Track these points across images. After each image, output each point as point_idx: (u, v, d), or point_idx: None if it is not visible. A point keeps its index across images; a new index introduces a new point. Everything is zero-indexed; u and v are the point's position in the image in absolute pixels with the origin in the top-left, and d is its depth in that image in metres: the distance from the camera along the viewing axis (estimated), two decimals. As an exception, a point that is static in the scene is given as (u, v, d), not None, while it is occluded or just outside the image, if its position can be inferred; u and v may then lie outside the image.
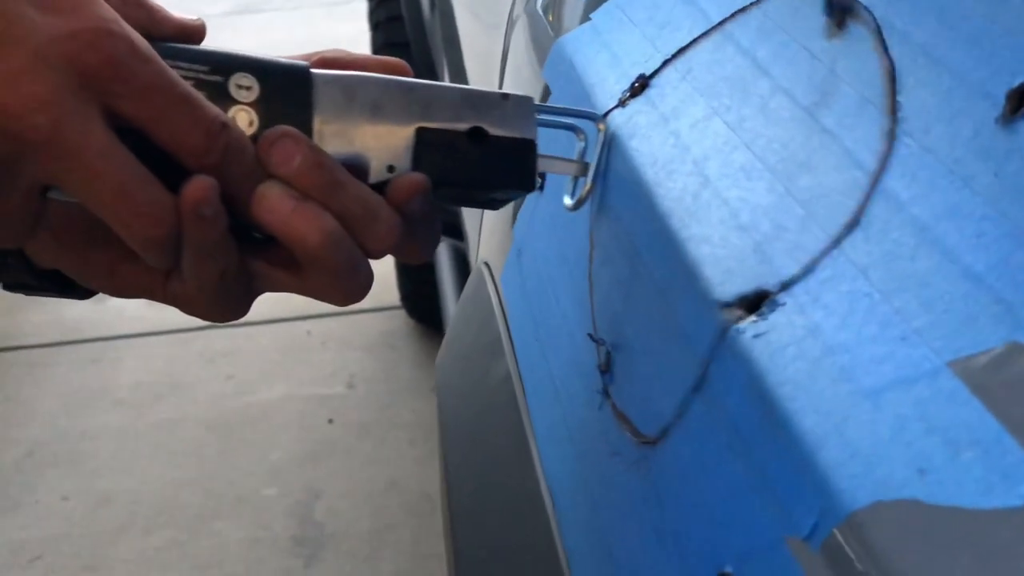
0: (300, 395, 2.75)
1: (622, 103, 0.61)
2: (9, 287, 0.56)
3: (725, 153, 0.51)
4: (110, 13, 0.48)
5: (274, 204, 0.51)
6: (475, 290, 0.85)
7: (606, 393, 0.55)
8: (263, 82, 0.52)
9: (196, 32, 0.54)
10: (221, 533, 2.38)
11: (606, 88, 0.64)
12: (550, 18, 0.86)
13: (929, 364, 0.36)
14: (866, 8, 0.48)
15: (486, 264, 0.86)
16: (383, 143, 0.54)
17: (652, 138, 0.56)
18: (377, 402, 2.73)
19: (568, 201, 0.60)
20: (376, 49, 2.89)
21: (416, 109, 0.54)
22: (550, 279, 0.67)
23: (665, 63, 0.61)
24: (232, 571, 2.27)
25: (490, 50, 1.30)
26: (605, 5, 0.71)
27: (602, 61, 0.67)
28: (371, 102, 0.54)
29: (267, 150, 0.51)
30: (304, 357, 2.91)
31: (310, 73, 0.53)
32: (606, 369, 0.56)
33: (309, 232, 0.51)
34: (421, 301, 2.78)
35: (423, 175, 0.53)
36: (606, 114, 0.61)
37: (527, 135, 0.56)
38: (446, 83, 0.56)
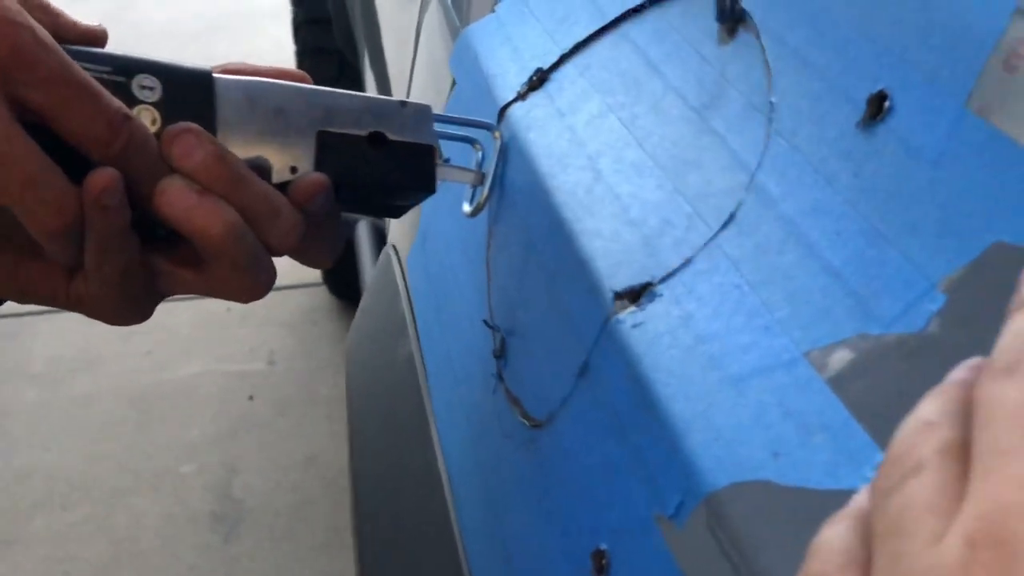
0: (220, 371, 2.74)
1: (521, 96, 0.63)
2: None
3: (618, 149, 0.53)
4: (13, 5, 0.49)
5: (176, 197, 0.51)
6: (383, 272, 0.87)
7: (500, 377, 0.57)
8: (166, 84, 0.53)
9: (99, 37, 0.55)
10: (139, 509, 2.37)
11: (507, 81, 0.66)
12: (458, 8, 0.87)
13: (788, 354, 0.38)
14: (750, 16, 0.50)
15: (394, 247, 0.87)
16: (285, 145, 0.55)
17: (549, 131, 0.58)
18: (297, 378, 2.73)
19: (467, 208, 0.62)
20: (297, 25, 2.88)
21: (318, 114, 0.56)
22: (451, 265, 0.69)
23: (563, 58, 0.63)
24: (150, 546, 2.27)
25: (407, 26, 1.31)
26: (509, -2, 0.73)
27: (504, 54, 0.69)
28: (273, 107, 0.55)
29: (169, 144, 0.52)
30: (224, 333, 2.90)
31: (212, 77, 0.54)
32: (500, 354, 0.58)
33: (210, 224, 0.51)
34: (342, 278, 2.78)
35: (324, 175, 0.55)
36: (504, 109, 0.63)
37: (426, 140, 0.58)
38: (348, 91, 0.57)
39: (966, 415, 0.25)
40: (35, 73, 0.48)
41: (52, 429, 2.61)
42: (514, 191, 0.59)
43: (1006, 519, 0.22)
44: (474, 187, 0.62)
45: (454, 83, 0.77)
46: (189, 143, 0.52)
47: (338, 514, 2.31)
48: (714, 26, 0.53)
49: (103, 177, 0.50)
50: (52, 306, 0.56)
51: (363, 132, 0.56)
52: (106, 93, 0.51)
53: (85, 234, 0.51)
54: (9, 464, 2.52)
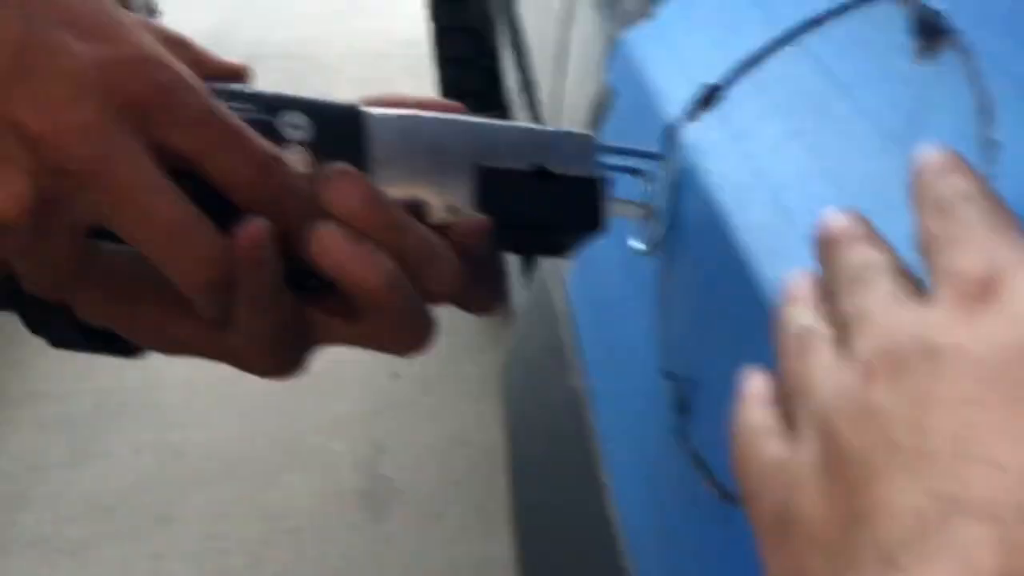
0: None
1: (690, 116, 0.58)
2: (56, 344, 0.54)
3: (806, 183, 0.48)
4: (154, 43, 0.46)
5: (331, 244, 0.47)
6: (542, 291, 0.83)
7: (683, 435, 0.52)
8: (314, 121, 0.50)
9: (241, 74, 0.51)
10: (290, 486, 2.39)
11: (673, 97, 0.61)
12: (610, 5, 0.82)
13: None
14: (957, 32, 0.44)
15: (551, 267, 0.83)
16: (442, 183, 0.51)
17: (725, 159, 0.53)
18: (440, 356, 2.72)
19: (637, 245, 0.57)
20: (435, 3, 2.84)
21: (476, 148, 0.52)
22: (620, 295, 0.64)
23: (736, 73, 0.57)
24: (301, 524, 2.28)
25: (549, 4, 1.27)
26: (671, 1, 0.68)
27: (669, 65, 0.64)
28: (428, 141, 0.51)
29: (324, 188, 0.48)
30: (369, 308, 2.90)
31: (363, 112, 0.51)
32: (682, 408, 0.53)
33: (368, 275, 0.48)
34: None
35: (483, 218, 0.51)
36: (672, 130, 0.58)
37: (592, 173, 0.53)
38: (506, 122, 0.53)
39: (828, 317, 0.35)
40: (179, 115, 0.45)
41: (206, 405, 2.65)
42: (690, 224, 0.55)
43: (889, 347, 0.30)
44: (644, 221, 0.57)
45: (611, 90, 0.72)
46: (345, 187, 0.48)
47: (485, 495, 2.29)
48: (909, 41, 0.47)
49: (254, 230, 0.46)
50: (200, 357, 0.53)
51: (525, 166, 0.52)
52: (254, 134, 0.47)
53: (236, 288, 0.48)
54: (163, 441, 2.56)
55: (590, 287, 0.70)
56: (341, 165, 0.49)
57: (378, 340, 0.51)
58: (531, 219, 0.52)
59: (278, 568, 2.18)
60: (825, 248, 0.37)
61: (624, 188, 0.56)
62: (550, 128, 0.54)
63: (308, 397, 2.62)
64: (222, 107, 0.46)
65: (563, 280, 0.79)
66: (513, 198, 0.52)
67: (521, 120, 1.85)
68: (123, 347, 0.54)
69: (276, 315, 0.49)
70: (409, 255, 0.49)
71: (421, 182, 0.50)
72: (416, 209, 0.50)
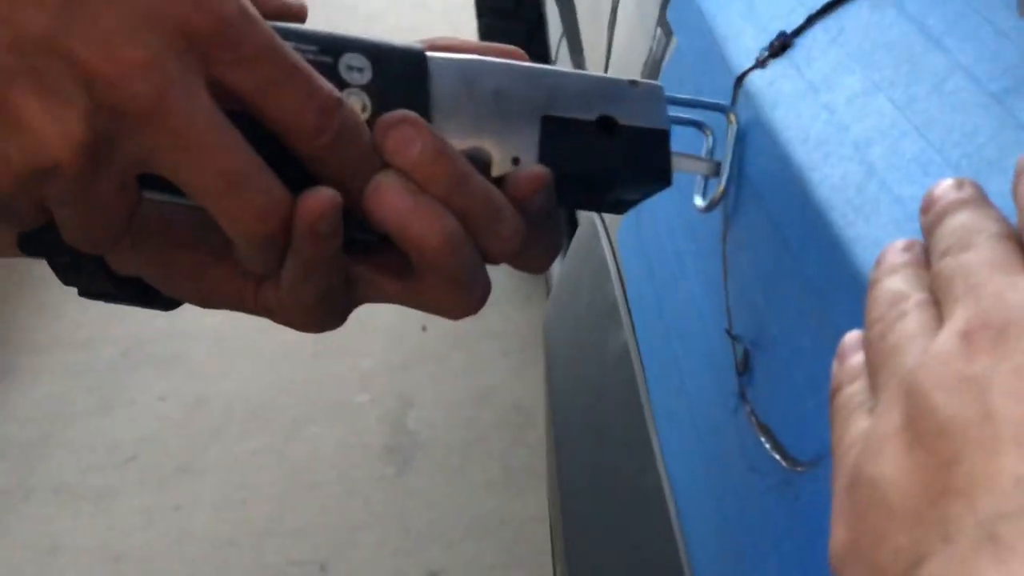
0: (393, 300, 2.73)
1: (760, 63, 0.55)
2: (86, 294, 0.52)
3: (893, 139, 0.45)
4: None
5: (391, 198, 0.45)
6: (587, 246, 0.80)
7: (743, 397, 0.50)
8: (376, 65, 0.47)
9: (299, 13, 0.48)
10: (315, 438, 2.38)
11: (741, 44, 0.58)
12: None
13: None
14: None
15: (600, 217, 0.80)
16: (506, 133, 0.48)
17: (800, 110, 0.50)
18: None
19: (699, 202, 0.54)
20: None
21: (540, 97, 0.49)
22: (675, 250, 0.61)
23: (811, 19, 0.54)
24: (326, 477, 2.28)
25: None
26: (739, -56, 0.64)
27: (735, 10, 0.61)
28: (492, 89, 0.48)
29: (384, 135, 0.45)
30: (397, 261, 2.88)
31: (426, 56, 0.48)
32: (743, 370, 0.50)
33: (429, 232, 0.45)
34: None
35: (545, 168, 0.48)
36: (741, 78, 0.55)
37: (660, 125, 0.51)
38: (571, 70, 0.50)
39: (923, 284, 0.33)
40: (240, 51, 0.42)
41: (231, 356, 2.64)
42: (760, 179, 0.52)
43: (992, 314, 0.28)
44: (707, 177, 0.55)
45: (671, 38, 0.69)
46: (407, 135, 0.45)
47: (511, 451, 2.28)
48: (1011, -8, 0.44)
49: (321, 201, 0.44)
50: (235, 310, 0.50)
51: (591, 117, 0.49)
52: (317, 75, 0.44)
53: (289, 249, 0.45)
54: (188, 390, 2.56)
55: (643, 240, 0.67)
56: (403, 112, 0.46)
57: (429, 301, 0.49)
58: (597, 172, 0.50)
59: (300, 521, 2.18)
60: (930, 214, 0.34)
61: (685, 142, 0.53)
62: (618, 77, 0.51)
63: (335, 349, 2.60)
64: (285, 44, 0.44)
65: (611, 233, 0.76)
66: (579, 150, 0.49)
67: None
68: (155, 299, 0.51)
69: (328, 279, 0.46)
70: (472, 213, 0.46)
71: (484, 132, 0.48)
72: (478, 161, 0.47)
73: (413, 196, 0.45)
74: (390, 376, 2.53)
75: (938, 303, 0.31)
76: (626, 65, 0.89)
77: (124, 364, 2.65)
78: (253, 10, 0.43)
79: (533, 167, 0.48)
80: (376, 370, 2.55)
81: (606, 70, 1.05)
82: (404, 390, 2.49)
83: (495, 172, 0.48)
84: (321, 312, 0.48)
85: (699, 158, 0.54)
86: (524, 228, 0.48)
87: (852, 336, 0.35)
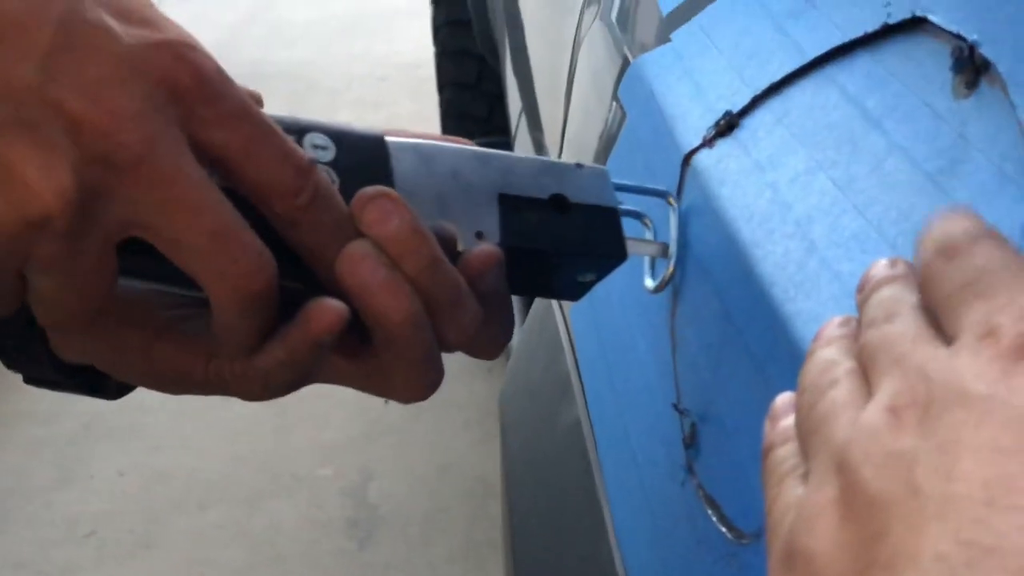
0: (355, 372, 2.72)
1: (708, 142, 0.56)
2: (31, 381, 0.51)
3: (833, 216, 0.46)
4: (191, 34, 0.43)
5: (364, 267, 0.45)
6: (541, 319, 0.81)
7: (690, 470, 0.51)
8: (339, 144, 0.48)
9: (257, 100, 0.48)
10: (276, 512, 2.36)
11: (689, 123, 0.59)
12: (624, 30, 0.81)
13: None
14: (995, 66, 0.43)
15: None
16: (468, 210, 0.49)
17: (746, 188, 0.52)
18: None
19: (649, 283, 0.56)
20: (437, 27, 2.85)
21: (495, 177, 0.50)
22: (627, 324, 0.62)
23: (755, 100, 0.56)
24: (287, 551, 2.26)
25: (557, 29, 1.25)
26: (687, 26, 0.66)
27: (684, 90, 0.62)
28: (449, 169, 0.50)
29: (362, 207, 0.45)
30: (360, 333, 2.88)
31: (384, 139, 0.49)
32: (691, 443, 0.51)
33: (395, 307, 0.45)
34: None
35: (496, 248, 0.49)
36: (688, 157, 0.57)
37: (609, 203, 0.52)
38: (519, 154, 0.52)
39: (854, 354, 0.33)
40: (220, 108, 0.42)
41: (190, 430, 2.62)
42: (706, 255, 0.53)
43: (917, 390, 0.28)
44: (654, 259, 0.56)
45: (624, 116, 0.70)
46: (385, 208, 0.45)
47: (474, 524, 2.27)
48: (946, 76, 0.45)
49: (333, 314, 0.44)
50: (181, 389, 0.49)
51: (543, 195, 0.51)
52: (289, 139, 0.44)
53: (276, 338, 0.45)
54: (148, 464, 2.53)
55: (596, 314, 0.68)
56: (382, 187, 0.46)
57: (382, 382, 0.49)
58: (555, 247, 0.51)
59: (262, 595, 2.15)
60: (863, 292, 0.36)
61: (631, 227, 0.55)
62: (564, 161, 0.53)
63: (296, 422, 2.59)
64: (256, 107, 0.44)
65: (565, 306, 0.77)
66: (537, 226, 0.50)
67: (523, 150, 1.84)
68: (101, 387, 0.51)
69: (308, 368, 0.46)
70: (437, 295, 0.46)
71: (447, 209, 0.49)
72: (444, 238, 0.48)
73: (385, 268, 0.45)
74: (351, 448, 2.52)
75: (866, 374, 0.32)
76: (582, 138, 0.91)
77: (84, 438, 2.63)
78: (224, 71, 0.43)
79: (484, 246, 0.48)
80: (337, 442, 2.54)
81: (562, 143, 1.06)
82: (366, 463, 2.48)
83: (460, 247, 0.49)
84: (275, 390, 0.48)
85: (647, 241, 0.56)
86: (481, 315, 0.48)
87: (783, 398, 0.36)
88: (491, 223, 0.50)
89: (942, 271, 0.31)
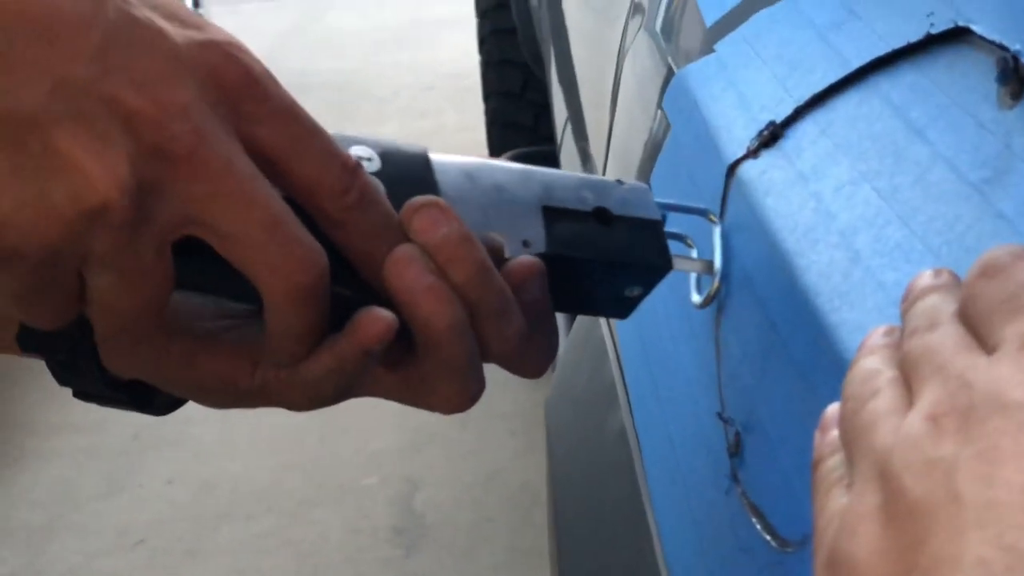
0: (401, 381, 2.73)
1: (752, 153, 0.57)
2: (80, 395, 0.51)
3: (878, 227, 0.46)
4: (235, 36, 0.44)
5: (412, 271, 0.45)
6: (587, 329, 0.81)
7: (735, 479, 0.51)
8: (384, 158, 0.48)
9: None
10: (322, 521, 2.38)
11: (733, 134, 0.59)
12: (668, 40, 0.81)
13: None
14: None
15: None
16: (513, 221, 0.50)
17: (790, 198, 0.52)
18: (478, 392, 2.70)
19: (696, 299, 0.56)
20: (482, 37, 2.86)
21: (538, 190, 0.51)
22: (671, 334, 0.62)
23: (799, 111, 0.56)
24: (333, 560, 2.27)
25: (602, 39, 1.26)
26: (731, 36, 0.66)
27: (728, 101, 0.62)
28: (492, 183, 0.50)
29: (412, 214, 0.46)
30: (405, 343, 2.89)
31: (428, 155, 0.50)
32: (735, 452, 0.51)
33: (439, 313, 0.45)
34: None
35: (538, 259, 0.49)
36: (733, 167, 0.57)
37: (652, 215, 0.52)
38: (558, 170, 0.53)
39: (896, 363, 0.33)
40: (267, 106, 0.43)
41: (237, 439, 2.64)
42: (751, 265, 0.53)
43: (957, 398, 0.29)
44: (699, 275, 0.57)
45: (668, 126, 0.70)
46: (435, 216, 0.46)
47: (520, 534, 2.27)
48: (992, 87, 0.45)
49: (383, 323, 0.44)
50: (226, 401, 0.49)
51: (587, 208, 0.51)
52: (335, 140, 0.45)
53: (324, 346, 0.45)
54: (196, 474, 2.55)
55: (639, 325, 0.68)
56: (431, 196, 0.47)
57: (422, 393, 0.49)
58: (601, 259, 0.51)
59: (308, 604, 2.17)
60: (907, 302, 0.36)
61: (674, 249, 0.55)
62: (604, 178, 0.53)
63: (343, 432, 2.61)
64: (301, 106, 0.44)
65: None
66: (582, 237, 0.51)
67: (569, 159, 1.85)
68: (149, 402, 0.52)
69: (355, 377, 0.47)
70: (483, 304, 0.46)
71: (492, 220, 0.50)
72: (491, 248, 0.48)
73: (432, 274, 0.45)
74: (398, 458, 2.53)
75: (908, 382, 0.32)
76: (626, 147, 0.91)
77: (132, 448, 2.65)
78: (273, 73, 0.44)
79: (526, 257, 0.49)
80: (383, 452, 2.55)
81: (607, 153, 1.07)
82: (412, 472, 2.49)
83: (507, 254, 0.49)
84: (326, 400, 0.48)
85: (691, 259, 0.56)
86: (525, 327, 0.48)
87: (833, 409, 0.36)
88: (537, 233, 0.50)
89: (985, 288, 0.32)
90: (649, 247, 0.52)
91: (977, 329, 0.31)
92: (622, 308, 0.55)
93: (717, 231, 0.56)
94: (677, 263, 0.54)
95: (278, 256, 0.42)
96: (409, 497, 2.42)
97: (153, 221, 0.41)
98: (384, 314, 0.45)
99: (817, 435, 0.36)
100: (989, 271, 0.32)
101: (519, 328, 0.48)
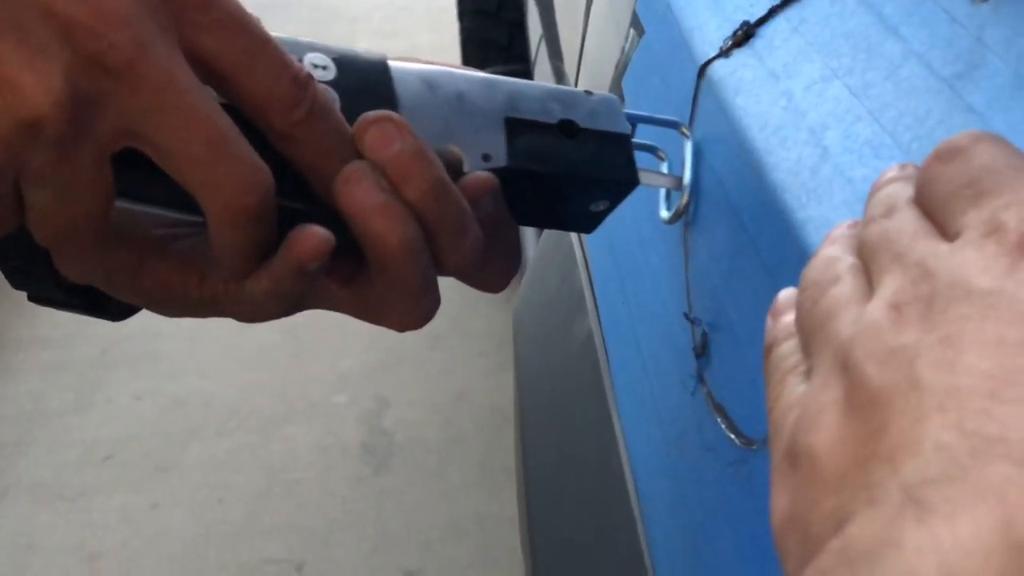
0: (371, 301, 2.72)
1: (724, 52, 0.56)
2: (36, 300, 0.50)
3: (847, 123, 0.45)
4: None
5: (361, 190, 0.43)
6: (557, 237, 0.81)
7: (701, 379, 0.51)
8: (340, 65, 0.47)
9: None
10: (292, 438, 2.38)
11: (706, 34, 0.58)
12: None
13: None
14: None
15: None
16: (473, 133, 0.49)
17: (760, 97, 0.51)
18: (448, 312, 2.70)
19: (664, 214, 0.55)
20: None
21: (502, 101, 0.50)
22: (639, 239, 0.62)
23: (773, 10, 0.55)
24: (303, 476, 2.28)
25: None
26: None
27: (701, 2, 0.61)
28: (454, 92, 0.49)
29: (364, 130, 0.44)
30: (376, 262, 2.88)
31: (388, 63, 0.48)
32: (702, 352, 0.51)
33: (390, 232, 0.44)
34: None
35: (491, 174, 0.48)
36: (704, 67, 0.56)
37: (620, 129, 0.51)
38: (525, 80, 0.51)
39: (855, 250, 0.33)
40: (214, 14, 0.41)
41: (207, 356, 2.64)
42: (719, 164, 0.52)
43: (919, 285, 0.28)
44: (669, 190, 0.56)
45: (642, 32, 0.70)
46: (388, 131, 0.44)
47: (489, 452, 2.28)
48: (963, -21, 0.45)
49: (315, 239, 0.43)
50: (174, 310, 0.48)
51: (552, 120, 0.50)
52: (286, 52, 0.43)
53: (266, 265, 0.44)
54: (165, 390, 2.55)
55: (609, 229, 0.68)
56: (385, 111, 0.45)
57: (375, 309, 0.48)
58: (565, 173, 0.50)
59: (277, 520, 2.18)
60: (870, 196, 0.35)
61: (645, 161, 0.54)
62: (573, 88, 0.52)
63: (313, 350, 2.61)
64: (253, 16, 0.43)
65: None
66: (546, 150, 0.50)
67: (543, 78, 1.83)
68: (104, 307, 0.51)
69: (299, 295, 0.46)
70: (440, 220, 0.45)
71: (452, 132, 0.48)
72: (450, 162, 0.47)
73: (383, 193, 0.44)
74: (368, 376, 2.54)
75: (867, 270, 0.32)
76: (598, 65, 0.90)
77: (101, 363, 2.65)
78: None
79: (479, 173, 0.48)
80: (354, 370, 2.55)
81: (578, 71, 1.05)
82: (381, 390, 2.49)
83: (466, 169, 0.48)
84: (270, 309, 0.47)
85: (660, 173, 0.55)
86: (482, 240, 0.47)
87: (786, 293, 0.36)
88: (498, 146, 0.49)
89: (942, 172, 0.31)
90: (616, 161, 0.51)
91: (935, 214, 0.31)
92: (588, 222, 0.54)
93: (688, 145, 0.55)
94: (645, 178, 0.52)
95: (220, 175, 0.41)
96: (379, 415, 2.43)
97: (91, 134, 0.40)
98: (316, 231, 0.43)
99: (769, 320, 0.36)
100: (945, 155, 0.31)
101: (475, 242, 0.47)
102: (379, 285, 0.46)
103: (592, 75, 0.95)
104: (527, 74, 2.14)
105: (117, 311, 0.52)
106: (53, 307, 0.51)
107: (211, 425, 2.44)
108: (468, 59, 2.93)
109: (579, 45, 1.09)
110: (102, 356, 2.67)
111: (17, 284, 0.50)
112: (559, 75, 1.66)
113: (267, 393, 2.52)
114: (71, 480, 2.31)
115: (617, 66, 0.78)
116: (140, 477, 2.31)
